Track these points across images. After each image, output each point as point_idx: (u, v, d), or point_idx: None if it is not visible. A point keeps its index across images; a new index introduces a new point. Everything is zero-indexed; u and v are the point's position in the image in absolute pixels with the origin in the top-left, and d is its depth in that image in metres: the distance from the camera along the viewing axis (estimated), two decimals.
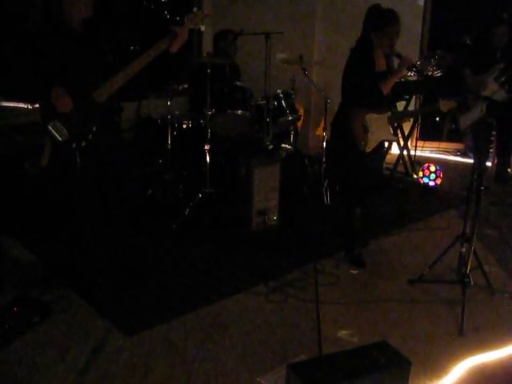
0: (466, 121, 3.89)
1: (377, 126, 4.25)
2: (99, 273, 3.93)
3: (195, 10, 3.74)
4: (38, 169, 3.63)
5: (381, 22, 4.14)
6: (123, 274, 4.01)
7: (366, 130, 4.19)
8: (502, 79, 6.15)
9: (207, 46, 6.97)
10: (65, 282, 3.93)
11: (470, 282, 3.79)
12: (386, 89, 4.17)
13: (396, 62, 4.31)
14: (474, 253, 3.88)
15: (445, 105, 4.20)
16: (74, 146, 3.53)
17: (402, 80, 6.22)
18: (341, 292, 4.03)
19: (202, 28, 3.79)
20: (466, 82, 6.34)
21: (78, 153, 3.55)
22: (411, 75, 6.38)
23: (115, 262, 4.01)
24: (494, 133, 6.75)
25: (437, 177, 6.38)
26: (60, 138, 3.47)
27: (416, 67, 4.82)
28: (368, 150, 4.24)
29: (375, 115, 4.23)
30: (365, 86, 4.10)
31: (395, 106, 6.49)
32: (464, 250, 3.94)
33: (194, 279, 4.11)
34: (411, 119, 6.79)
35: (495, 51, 6.37)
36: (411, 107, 6.94)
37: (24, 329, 3.35)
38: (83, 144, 3.55)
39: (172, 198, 5.46)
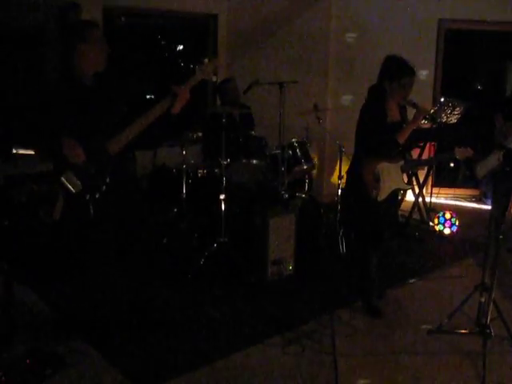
0: (482, 169, 3.87)
1: (389, 174, 4.24)
2: (113, 323, 3.90)
3: (206, 60, 3.78)
4: (51, 218, 3.63)
5: (396, 73, 4.18)
6: (137, 324, 3.97)
7: (376, 178, 4.18)
8: None
9: None
10: (78, 333, 3.89)
11: (491, 333, 3.72)
12: (403, 139, 4.18)
13: (410, 110, 4.34)
14: (494, 302, 3.82)
15: (461, 152, 4.19)
16: (87, 197, 3.54)
17: (416, 128, 6.23)
18: (358, 343, 3.96)
19: (214, 78, 3.82)
20: (496, 128, 6.36)
21: (92, 204, 3.55)
22: (425, 122, 6.40)
23: (130, 313, 3.98)
24: None
25: (452, 224, 6.33)
26: (73, 190, 3.46)
27: (430, 115, 4.85)
28: (380, 198, 4.22)
29: (387, 164, 4.23)
30: (381, 137, 4.11)
31: (410, 154, 6.50)
32: (483, 299, 3.87)
33: (210, 330, 4.06)
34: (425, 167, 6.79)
35: None
36: (425, 155, 6.94)
37: (36, 382, 3.31)
38: (97, 196, 3.56)
39: (187, 247, 5.45)
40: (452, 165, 7.44)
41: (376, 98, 4.23)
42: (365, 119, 4.22)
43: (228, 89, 6.11)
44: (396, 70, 4.19)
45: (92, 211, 3.56)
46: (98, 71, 3.62)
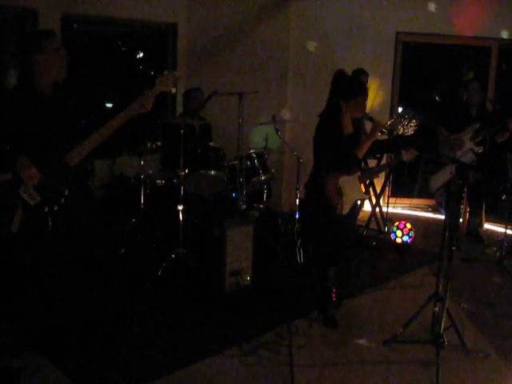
0: (436, 182, 3.96)
1: (349, 187, 4.30)
2: (69, 336, 3.85)
3: (166, 72, 3.78)
4: (7, 230, 3.57)
5: (351, 92, 4.24)
6: (94, 336, 3.92)
7: (340, 193, 4.23)
8: (477, 139, 6.29)
9: (180, 106, 7.03)
10: (33, 346, 3.82)
11: (444, 342, 3.79)
12: (361, 153, 4.25)
13: (367, 123, 4.40)
14: (448, 312, 3.89)
15: (407, 155, 4.29)
16: (46, 209, 3.49)
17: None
18: (315, 354, 3.99)
19: (174, 90, 3.82)
20: (439, 141, 6.47)
21: (51, 217, 3.51)
22: (382, 134, 6.49)
23: (86, 325, 3.94)
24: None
25: (409, 234, 6.41)
26: (31, 203, 3.44)
27: (387, 128, 4.92)
28: (344, 212, 4.27)
29: (347, 177, 4.29)
30: (341, 153, 4.16)
31: (366, 163, 6.59)
32: (437, 309, 3.94)
33: (166, 342, 4.03)
34: (381, 175, 6.87)
35: (469, 108, 6.52)
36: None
37: None
38: (55, 208, 3.52)
39: (145, 257, 5.41)
40: (407, 174, 7.58)
41: (331, 115, 4.28)
42: (322, 136, 4.26)
43: (194, 97, 6.09)
44: (350, 90, 4.25)
45: (50, 223, 3.52)
46: (58, 80, 3.58)
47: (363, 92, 4.28)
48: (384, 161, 6.95)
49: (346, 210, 4.29)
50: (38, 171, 3.41)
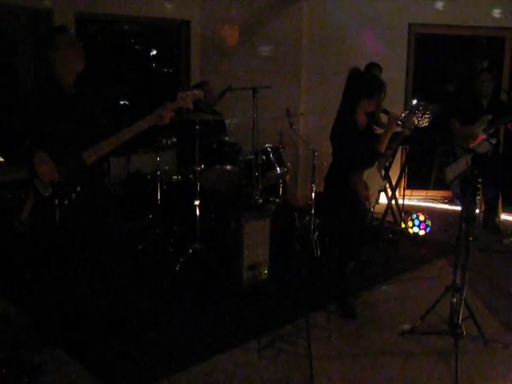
0: (451, 173, 3.95)
1: (371, 179, 4.31)
2: (89, 331, 3.89)
3: (188, 92, 3.81)
4: (26, 226, 3.62)
5: (369, 92, 4.23)
6: (113, 331, 3.97)
7: (366, 187, 4.25)
8: (491, 131, 6.25)
9: None
10: (54, 340, 3.87)
11: (463, 332, 3.79)
12: (383, 147, 4.25)
13: (383, 117, 4.40)
14: (465, 302, 3.89)
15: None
16: (56, 202, 3.54)
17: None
18: (333, 346, 4.01)
19: (191, 107, 3.86)
20: (453, 133, 6.44)
21: (59, 210, 3.55)
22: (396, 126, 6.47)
23: (106, 320, 3.98)
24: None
25: (426, 226, 6.41)
26: (45, 194, 3.50)
27: (401, 120, 4.92)
28: (371, 206, 4.28)
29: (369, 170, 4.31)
30: (362, 150, 4.17)
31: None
32: (455, 300, 3.94)
33: (186, 336, 4.07)
34: (397, 167, 6.85)
35: (480, 99, 6.48)
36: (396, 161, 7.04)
37: None
38: (65, 202, 3.56)
39: (162, 252, 5.45)
40: (423, 167, 7.56)
41: (347, 114, 4.28)
42: (341, 135, 4.26)
43: (202, 91, 6.09)
44: (368, 90, 4.23)
45: (58, 217, 3.56)
46: (79, 72, 3.61)
47: (381, 91, 4.26)
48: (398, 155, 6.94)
49: (372, 203, 4.30)
50: (55, 167, 3.46)
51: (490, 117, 6.22)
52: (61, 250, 3.74)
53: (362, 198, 4.25)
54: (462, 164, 3.87)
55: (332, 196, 4.47)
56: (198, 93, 3.86)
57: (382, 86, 4.26)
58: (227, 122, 6.75)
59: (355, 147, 4.17)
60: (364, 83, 4.28)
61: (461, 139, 6.35)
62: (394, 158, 6.86)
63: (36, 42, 3.71)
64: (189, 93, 3.79)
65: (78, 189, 3.60)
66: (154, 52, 8.68)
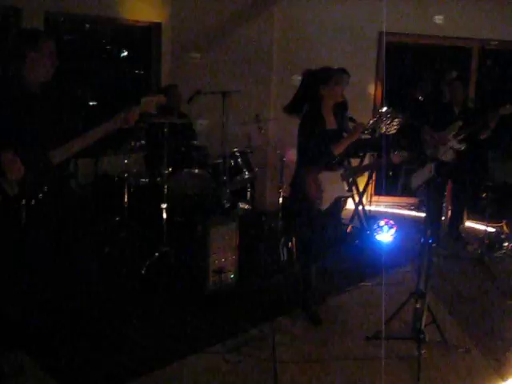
0: (416, 180, 4.01)
1: (331, 183, 4.33)
2: (52, 335, 3.85)
3: (151, 98, 3.81)
4: None
5: (327, 75, 4.30)
6: (77, 335, 3.92)
7: (319, 188, 4.26)
8: (460, 137, 6.35)
9: None
10: (17, 345, 3.80)
11: (425, 337, 3.84)
12: (338, 150, 4.28)
13: (351, 124, 4.44)
14: (429, 308, 3.95)
15: (396, 157, 4.33)
16: (23, 202, 3.50)
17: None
18: (298, 350, 4.02)
19: (155, 112, 3.87)
20: (422, 140, 6.53)
21: (26, 210, 3.51)
22: (365, 133, 6.52)
23: (69, 324, 3.94)
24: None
25: (391, 232, 6.46)
26: (10, 193, 3.45)
27: (370, 126, 4.97)
28: (322, 208, 4.30)
29: (328, 173, 4.32)
30: (316, 146, 4.20)
31: (349, 162, 6.62)
32: (418, 305, 3.99)
33: (150, 339, 4.05)
34: (366, 174, 6.91)
35: (452, 107, 6.58)
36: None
37: None
38: (32, 202, 3.52)
39: (128, 256, 5.42)
40: (391, 173, 7.63)
41: (313, 107, 4.32)
42: (303, 130, 4.30)
43: (170, 94, 6.09)
44: (325, 73, 4.32)
45: (24, 217, 3.52)
46: (44, 81, 3.59)
47: (336, 74, 4.33)
48: (367, 161, 6.99)
49: (325, 206, 4.31)
50: (22, 166, 3.43)
51: (460, 123, 6.34)
52: (26, 250, 3.70)
53: (310, 195, 4.26)
54: (425, 172, 3.93)
55: (291, 198, 4.53)
56: (161, 98, 3.87)
57: (336, 70, 4.32)
58: (197, 125, 6.74)
59: (313, 143, 4.21)
60: (318, 71, 4.37)
61: (431, 145, 6.44)
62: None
63: (14, 39, 3.65)
64: (152, 98, 3.80)
65: (46, 189, 3.56)
66: (125, 53, 8.62)
